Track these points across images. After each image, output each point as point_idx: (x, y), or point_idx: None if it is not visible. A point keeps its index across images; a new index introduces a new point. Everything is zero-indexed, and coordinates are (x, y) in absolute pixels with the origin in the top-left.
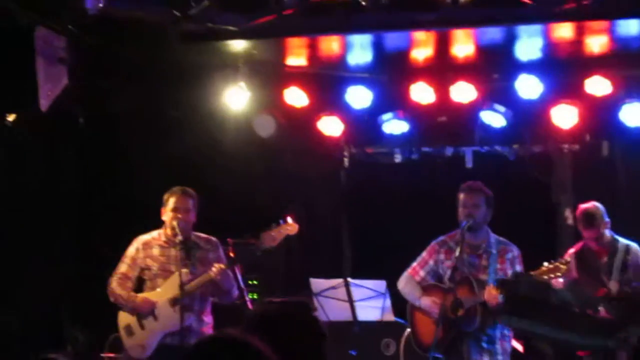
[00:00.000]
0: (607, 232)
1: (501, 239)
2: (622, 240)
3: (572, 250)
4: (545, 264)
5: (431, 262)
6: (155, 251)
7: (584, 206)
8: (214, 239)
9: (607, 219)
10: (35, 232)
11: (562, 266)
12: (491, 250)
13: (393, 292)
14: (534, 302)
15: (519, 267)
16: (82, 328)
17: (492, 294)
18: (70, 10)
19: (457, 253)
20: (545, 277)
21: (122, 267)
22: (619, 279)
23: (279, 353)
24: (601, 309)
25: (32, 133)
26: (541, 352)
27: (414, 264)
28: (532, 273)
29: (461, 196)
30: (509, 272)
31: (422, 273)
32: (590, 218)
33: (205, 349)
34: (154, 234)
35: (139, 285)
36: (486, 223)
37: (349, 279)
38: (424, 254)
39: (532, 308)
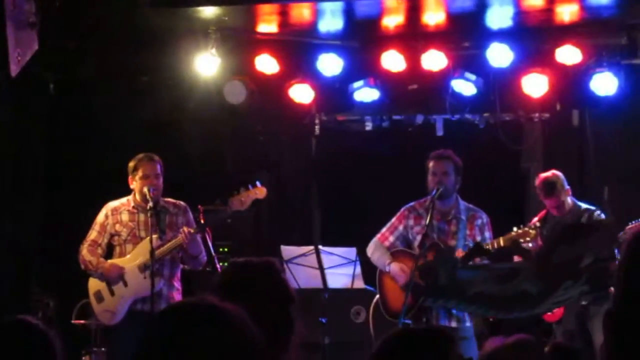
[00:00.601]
0: (569, 199)
1: (470, 205)
2: (584, 206)
3: (535, 219)
4: (515, 229)
5: (400, 228)
6: (124, 217)
7: (543, 175)
8: (182, 203)
9: (567, 187)
10: (3, 199)
11: (531, 231)
12: (460, 217)
13: (363, 259)
14: (455, 284)
15: (487, 234)
16: (52, 294)
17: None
18: None
19: (427, 220)
20: (515, 242)
21: (92, 234)
22: None
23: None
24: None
25: (1, 97)
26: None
27: (383, 230)
28: (501, 238)
29: (431, 164)
30: (478, 238)
31: (391, 239)
32: (550, 186)
33: (174, 314)
34: (123, 200)
35: (109, 251)
36: (455, 190)
37: (320, 246)
38: (394, 219)
39: (454, 289)
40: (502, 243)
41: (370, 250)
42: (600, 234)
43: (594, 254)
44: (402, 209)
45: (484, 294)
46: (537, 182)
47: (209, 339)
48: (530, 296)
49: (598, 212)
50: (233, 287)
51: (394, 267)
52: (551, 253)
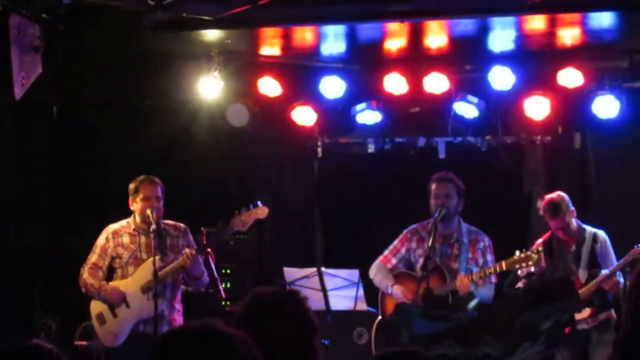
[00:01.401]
0: (574, 221)
1: (473, 228)
2: (589, 229)
3: (540, 241)
4: (517, 253)
5: (403, 250)
6: (125, 239)
7: (549, 196)
8: (182, 225)
9: (572, 208)
10: (5, 222)
11: (533, 255)
12: (463, 240)
13: (366, 281)
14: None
15: (489, 257)
16: (54, 316)
17: (464, 283)
18: None
19: (429, 242)
20: (517, 265)
21: (93, 257)
22: (587, 267)
23: (269, 346)
24: None
25: (5, 121)
26: None
27: (386, 252)
28: (504, 262)
29: (433, 186)
30: (480, 261)
31: (393, 261)
32: (555, 208)
33: (176, 339)
34: (123, 222)
35: (110, 274)
36: (458, 213)
37: (322, 268)
38: (396, 242)
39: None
40: (504, 267)
41: (373, 272)
42: (566, 302)
43: (555, 319)
44: (404, 232)
45: (448, 357)
46: (541, 203)
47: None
48: (493, 358)
49: (602, 233)
50: (257, 317)
51: (396, 290)
52: (514, 318)
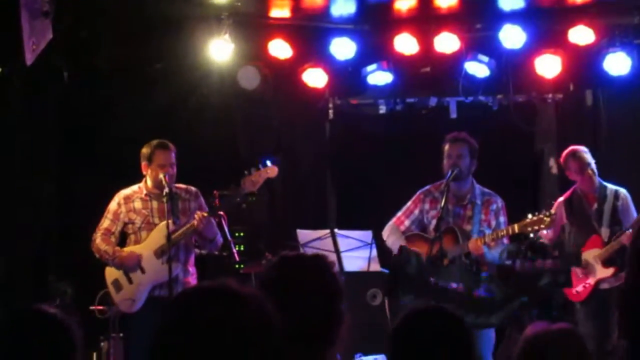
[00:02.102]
0: (596, 178)
1: (486, 190)
2: (611, 186)
3: (561, 199)
4: (530, 215)
5: (416, 212)
6: (137, 205)
7: (572, 148)
8: (193, 188)
9: (593, 163)
10: (19, 187)
11: (545, 218)
12: (476, 201)
13: (379, 242)
14: (418, 280)
15: (502, 219)
16: (70, 282)
17: (477, 245)
18: None
19: (442, 203)
20: (529, 228)
21: (105, 223)
22: (609, 225)
23: (295, 308)
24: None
25: (17, 86)
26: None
27: (399, 214)
28: (516, 225)
29: (446, 147)
30: (493, 223)
31: (407, 222)
32: (581, 159)
33: (189, 298)
34: (134, 188)
35: (122, 239)
36: (471, 174)
37: (335, 230)
38: (409, 203)
39: (416, 285)
40: (516, 229)
41: (386, 234)
42: (561, 260)
43: (552, 277)
44: (417, 193)
45: (448, 289)
46: (565, 155)
47: (225, 322)
48: (492, 301)
49: (623, 191)
50: (283, 282)
51: None
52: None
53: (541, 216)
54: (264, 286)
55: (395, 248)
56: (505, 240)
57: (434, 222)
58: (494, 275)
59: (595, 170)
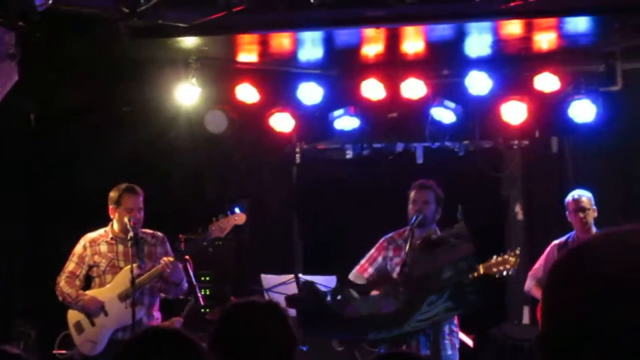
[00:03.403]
0: (593, 225)
1: None
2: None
3: (556, 242)
4: (495, 257)
5: (380, 259)
6: (103, 248)
7: (578, 193)
8: (159, 234)
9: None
10: None
11: (511, 259)
12: None
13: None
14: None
15: None
16: (33, 324)
17: None
18: (18, 5)
19: (406, 248)
20: (495, 269)
21: (70, 266)
22: None
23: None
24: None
25: None
26: (496, 342)
27: (362, 261)
28: (481, 266)
29: (412, 193)
30: None
31: (370, 270)
32: (583, 205)
33: (143, 340)
34: (101, 231)
35: (87, 282)
36: (435, 221)
37: (300, 275)
38: (373, 250)
39: (328, 315)
40: (481, 271)
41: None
42: (458, 245)
43: (453, 267)
44: (381, 240)
45: (358, 316)
46: (571, 198)
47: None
48: (398, 311)
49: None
50: (235, 330)
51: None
52: (411, 266)
53: (506, 257)
54: (215, 336)
55: None
56: None
57: (397, 268)
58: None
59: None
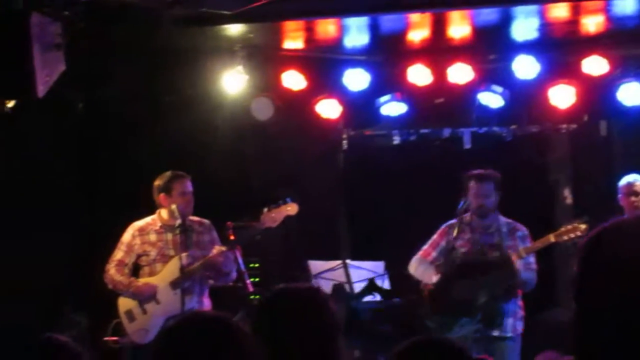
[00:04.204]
0: None
1: (509, 220)
2: None
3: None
4: (565, 225)
5: (442, 243)
6: (152, 237)
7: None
8: (206, 221)
9: None
10: (34, 219)
11: (581, 225)
12: (502, 229)
13: (391, 273)
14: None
15: (529, 244)
16: (84, 313)
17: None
18: None
19: (454, 234)
20: (566, 237)
21: (118, 254)
22: None
23: (290, 345)
24: None
25: (31, 119)
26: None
27: (425, 247)
28: (552, 235)
29: (471, 184)
30: (520, 249)
31: (434, 254)
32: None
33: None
34: (148, 219)
35: (134, 271)
36: (495, 209)
37: (348, 261)
38: (435, 236)
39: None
40: (552, 239)
41: (414, 266)
42: (499, 272)
43: (490, 293)
44: (442, 226)
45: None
46: (625, 182)
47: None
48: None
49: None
50: (276, 315)
51: None
52: (448, 289)
53: (575, 224)
54: (257, 321)
55: (427, 277)
56: (534, 265)
57: (462, 250)
58: None
59: None
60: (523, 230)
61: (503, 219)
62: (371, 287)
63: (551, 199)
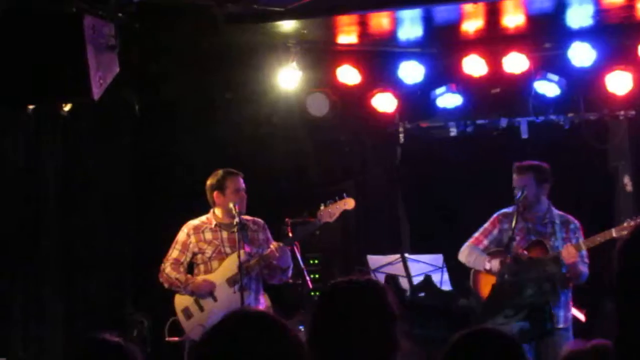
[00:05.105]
0: None
1: (561, 212)
2: None
3: None
4: (627, 220)
5: (495, 232)
6: (208, 235)
7: None
8: (260, 220)
9: None
10: (95, 220)
11: None
12: (555, 221)
13: (450, 265)
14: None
15: (581, 238)
16: (146, 313)
17: (570, 252)
18: None
19: (513, 224)
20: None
21: (174, 253)
22: None
23: (347, 334)
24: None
25: (88, 121)
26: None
27: (476, 234)
28: (614, 229)
29: (514, 176)
30: (573, 241)
31: (485, 242)
32: None
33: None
34: (202, 218)
35: (189, 270)
36: (539, 200)
37: (406, 254)
38: (487, 224)
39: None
40: (613, 234)
41: (465, 253)
42: (547, 265)
43: (537, 286)
44: (495, 215)
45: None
46: None
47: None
48: (473, 314)
49: None
50: (335, 306)
51: (495, 263)
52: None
53: (638, 220)
54: (316, 313)
55: (478, 263)
56: (586, 259)
57: (517, 238)
58: None
59: None
60: (575, 223)
61: (555, 211)
62: (427, 283)
63: (611, 187)
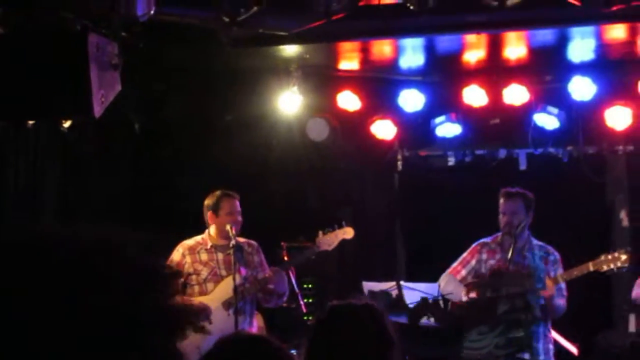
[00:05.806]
0: None
1: (540, 242)
2: None
3: None
4: (604, 254)
5: (473, 262)
6: (203, 256)
7: None
8: (254, 242)
9: None
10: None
11: (622, 256)
12: (534, 251)
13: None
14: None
15: (560, 270)
16: None
17: (548, 285)
18: (121, 16)
19: (509, 255)
20: (605, 266)
21: None
22: None
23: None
24: None
25: (88, 140)
26: (602, 351)
27: (455, 264)
28: (591, 263)
29: (500, 202)
30: (552, 274)
31: (463, 272)
32: None
33: (227, 347)
34: (197, 238)
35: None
36: (525, 228)
37: (402, 282)
38: (465, 254)
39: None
40: (590, 267)
41: (443, 282)
42: (520, 280)
43: (510, 302)
44: (474, 245)
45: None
46: None
47: None
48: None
49: None
50: (332, 329)
51: (473, 295)
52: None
53: (616, 254)
54: (313, 334)
55: (456, 295)
56: (565, 291)
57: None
58: None
59: None
60: (555, 254)
61: (535, 241)
62: (424, 306)
63: (607, 221)
